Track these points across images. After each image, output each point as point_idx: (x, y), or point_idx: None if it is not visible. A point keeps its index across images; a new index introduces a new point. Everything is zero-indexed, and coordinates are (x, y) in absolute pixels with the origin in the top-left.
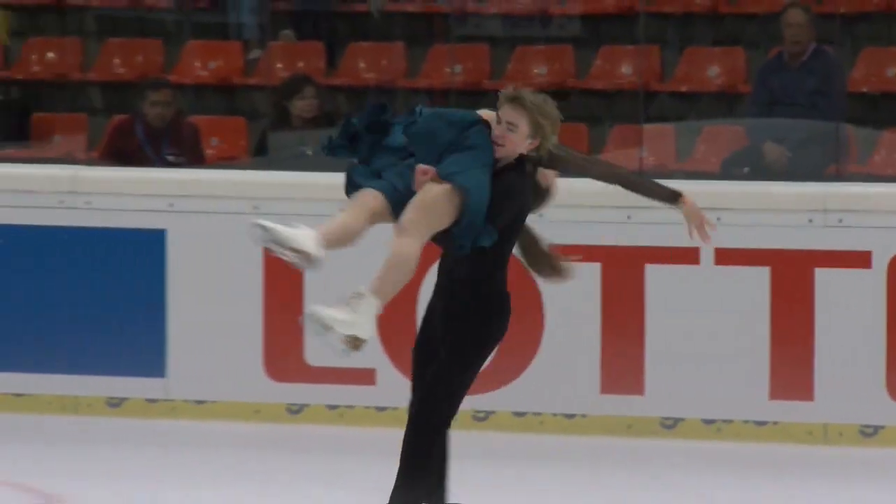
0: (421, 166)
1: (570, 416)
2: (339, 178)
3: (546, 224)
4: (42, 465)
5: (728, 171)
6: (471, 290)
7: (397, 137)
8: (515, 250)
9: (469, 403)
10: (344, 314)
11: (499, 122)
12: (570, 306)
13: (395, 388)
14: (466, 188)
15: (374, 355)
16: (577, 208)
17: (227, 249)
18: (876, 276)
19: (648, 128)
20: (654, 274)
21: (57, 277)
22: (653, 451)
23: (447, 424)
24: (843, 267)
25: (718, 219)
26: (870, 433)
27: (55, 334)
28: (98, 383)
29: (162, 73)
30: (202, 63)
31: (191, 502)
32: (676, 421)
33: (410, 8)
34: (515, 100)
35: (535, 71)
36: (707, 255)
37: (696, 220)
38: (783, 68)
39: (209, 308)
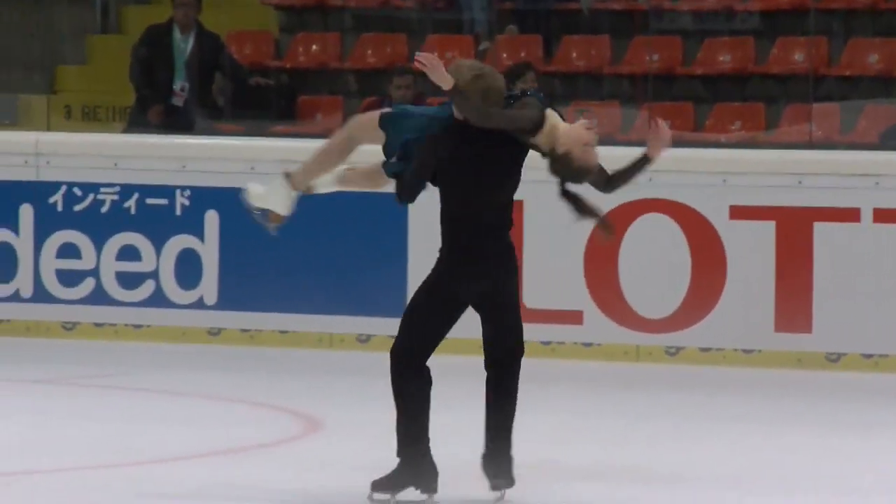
0: None
1: (749, 352)
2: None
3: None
4: (302, 393)
5: (885, 143)
6: (443, 241)
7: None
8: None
9: (660, 340)
10: (261, 189)
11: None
12: (748, 260)
13: (600, 327)
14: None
15: (581, 298)
16: (755, 175)
17: None
18: None
19: (817, 107)
20: (821, 230)
21: (316, 233)
22: (818, 382)
23: (409, 357)
24: None
25: (877, 183)
26: None
27: (313, 280)
28: (350, 322)
29: (406, 62)
30: (441, 52)
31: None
32: (840, 356)
33: (615, 6)
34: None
35: (721, 59)
36: (867, 215)
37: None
38: None
39: None
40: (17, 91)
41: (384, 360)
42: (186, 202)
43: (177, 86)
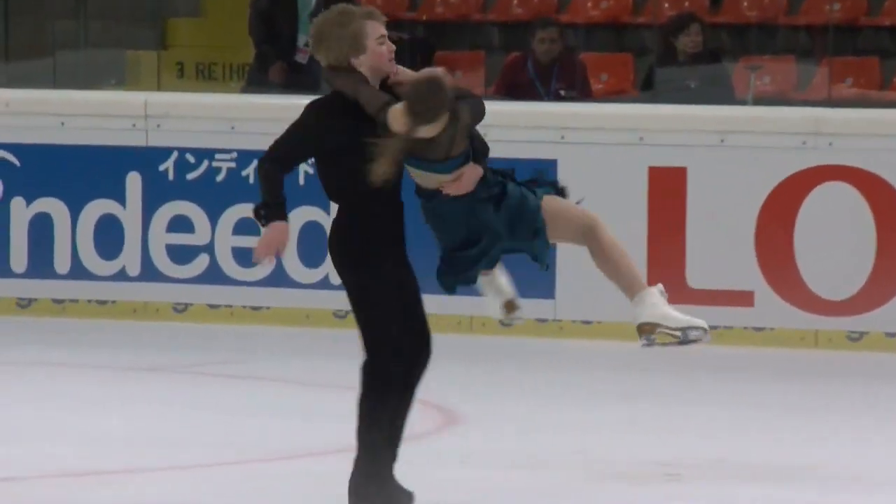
0: None
1: None
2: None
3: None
4: (442, 384)
5: None
6: None
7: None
8: None
9: (842, 324)
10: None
11: None
12: None
13: (773, 310)
14: None
15: (752, 278)
16: None
17: (614, 177)
18: None
19: None
20: None
21: None
22: None
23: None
24: None
25: None
26: None
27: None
28: (476, 304)
29: (555, 14)
30: (593, 3)
31: (563, 419)
32: None
33: None
34: None
35: None
36: None
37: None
38: None
39: (618, 231)
40: (125, 46)
41: (528, 344)
42: (310, 170)
43: (300, 41)
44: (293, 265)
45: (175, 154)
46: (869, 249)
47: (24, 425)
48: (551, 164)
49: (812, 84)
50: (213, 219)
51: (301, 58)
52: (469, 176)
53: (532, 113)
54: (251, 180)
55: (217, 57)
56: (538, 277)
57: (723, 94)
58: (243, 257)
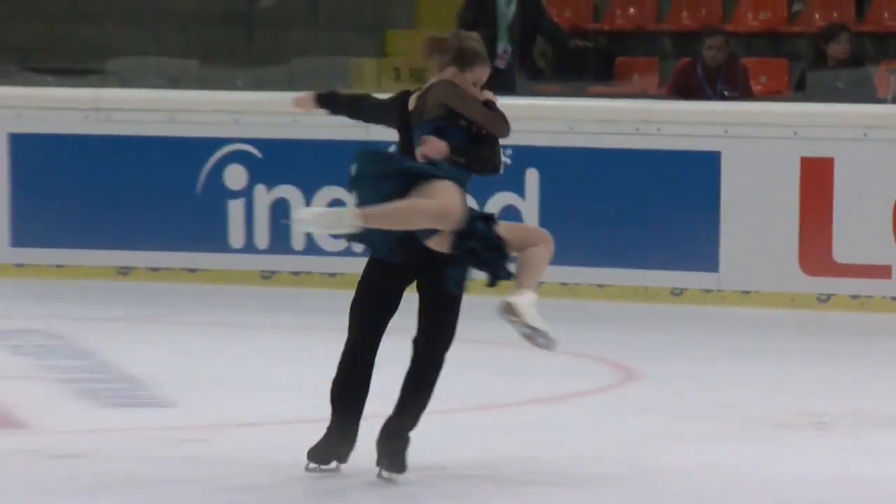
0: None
1: None
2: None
3: None
4: (618, 344)
5: None
6: None
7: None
8: None
9: None
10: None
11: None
12: None
13: None
14: None
15: (890, 253)
16: None
17: (771, 167)
18: None
19: None
20: None
21: (629, 191)
22: None
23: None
24: None
25: None
26: None
27: (627, 234)
28: (663, 276)
29: (721, 24)
30: (754, 14)
31: (727, 376)
32: None
33: None
34: None
35: None
36: None
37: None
38: None
39: (754, 214)
40: (349, 54)
41: (694, 312)
42: (508, 161)
43: (500, 48)
44: None
45: (392, 147)
46: None
47: (266, 379)
48: (716, 156)
49: None
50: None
51: (500, 63)
52: (433, 144)
53: (700, 111)
54: None
55: (428, 63)
56: (704, 255)
57: (866, 94)
58: None
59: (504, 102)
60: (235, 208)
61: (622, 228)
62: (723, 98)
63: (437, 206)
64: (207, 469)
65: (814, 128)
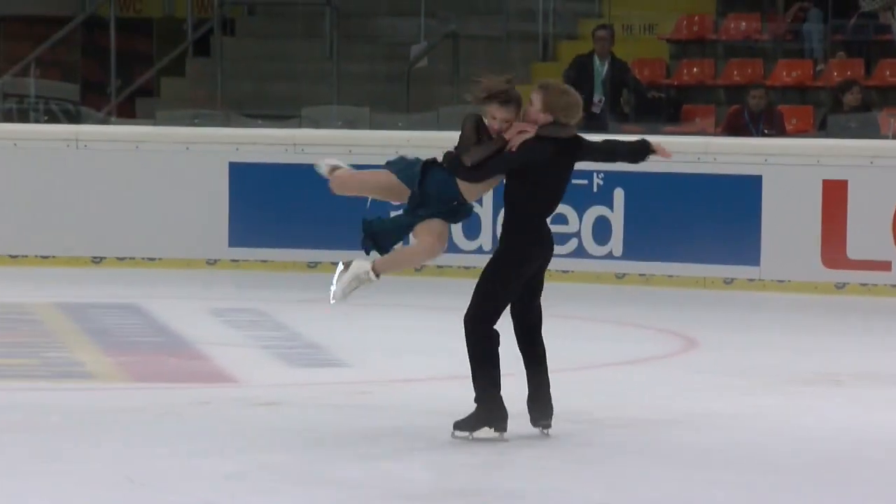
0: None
1: None
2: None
3: None
4: (683, 321)
5: None
6: (515, 226)
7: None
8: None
9: None
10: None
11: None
12: None
13: None
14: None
15: (890, 251)
16: None
17: (800, 187)
18: None
19: None
20: None
21: (692, 205)
22: None
23: (484, 321)
24: None
25: None
26: None
27: (690, 237)
28: (717, 269)
29: (762, 80)
30: (787, 73)
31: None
32: None
33: None
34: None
35: None
36: None
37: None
38: None
39: (787, 223)
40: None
41: (742, 297)
42: (601, 182)
43: (595, 98)
44: (589, 243)
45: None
46: None
47: (418, 346)
48: (758, 179)
49: None
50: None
51: (595, 108)
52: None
53: (746, 145)
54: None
55: None
56: (749, 254)
57: (872, 133)
58: (558, 238)
59: (597, 139)
60: None
61: (687, 233)
62: (763, 135)
63: (423, 249)
64: (374, 415)
65: (832, 157)
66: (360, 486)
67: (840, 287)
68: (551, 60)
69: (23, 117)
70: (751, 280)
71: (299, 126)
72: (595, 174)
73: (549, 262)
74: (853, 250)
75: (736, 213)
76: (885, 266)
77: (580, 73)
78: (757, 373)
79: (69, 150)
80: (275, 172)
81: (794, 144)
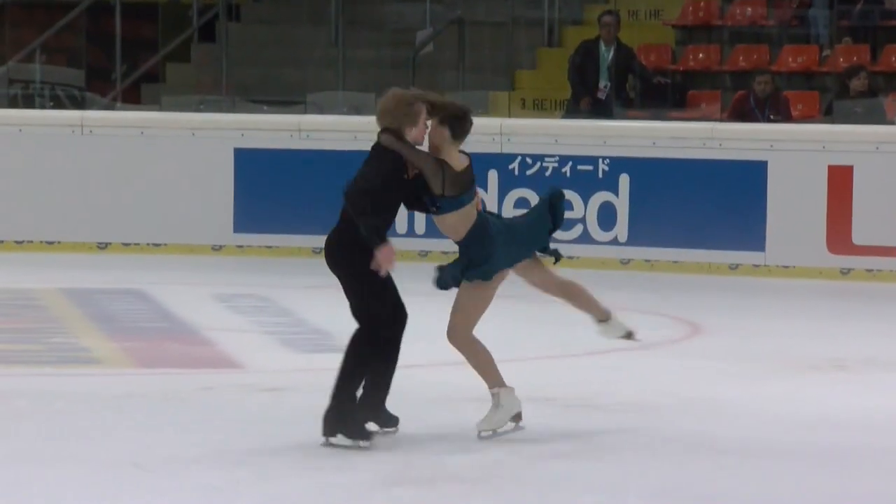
0: None
1: None
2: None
3: None
4: (689, 306)
5: None
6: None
7: None
8: None
9: None
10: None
11: None
12: None
13: None
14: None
15: (891, 233)
16: None
17: (805, 173)
18: None
19: None
20: None
21: (698, 191)
22: None
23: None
24: None
25: None
26: None
27: (696, 223)
28: (723, 255)
29: (768, 65)
30: (793, 58)
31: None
32: None
33: None
34: None
35: None
36: None
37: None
38: None
39: (792, 208)
40: (487, 89)
41: (748, 282)
42: (606, 168)
43: (601, 84)
44: (594, 229)
45: (519, 158)
46: None
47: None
48: (764, 165)
49: None
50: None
51: (601, 94)
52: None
53: (752, 130)
54: (568, 175)
55: (547, 95)
56: (754, 239)
57: (878, 118)
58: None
59: (602, 125)
60: None
61: (692, 219)
62: (769, 121)
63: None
64: None
65: (838, 143)
66: (365, 470)
67: (845, 273)
68: (557, 46)
69: (28, 103)
70: (756, 266)
71: (304, 112)
72: (601, 160)
73: None
74: (858, 236)
75: (741, 199)
76: (890, 252)
77: (586, 59)
78: (762, 359)
79: (74, 136)
80: (280, 158)
81: (799, 130)
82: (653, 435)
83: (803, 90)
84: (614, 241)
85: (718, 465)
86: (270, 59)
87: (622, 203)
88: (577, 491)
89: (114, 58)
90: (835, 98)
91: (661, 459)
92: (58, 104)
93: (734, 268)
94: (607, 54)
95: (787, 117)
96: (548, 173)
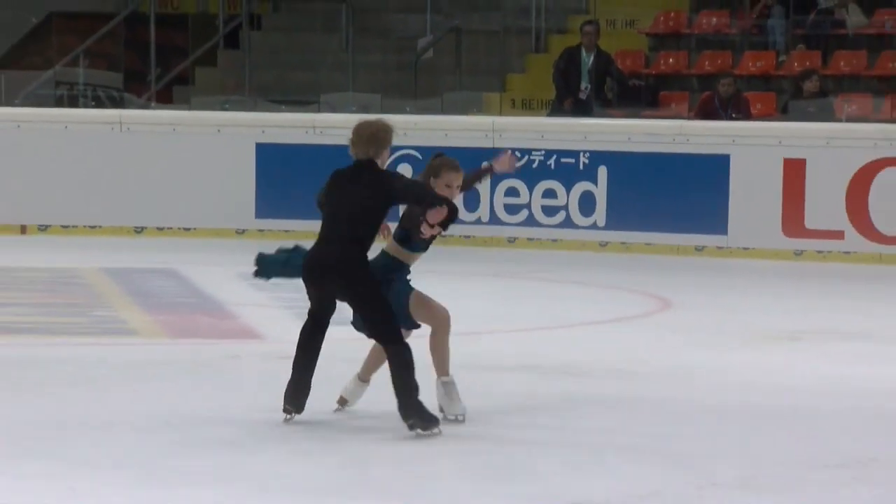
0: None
1: None
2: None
3: None
4: (659, 284)
5: None
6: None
7: None
8: None
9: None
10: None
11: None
12: None
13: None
14: None
15: (843, 222)
16: None
17: (763, 165)
18: None
19: None
20: None
21: (668, 181)
22: None
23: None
24: None
25: None
26: None
27: (666, 210)
28: (690, 238)
29: (730, 69)
30: (753, 63)
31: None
32: None
33: (870, 31)
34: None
35: None
36: None
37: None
38: None
39: (751, 197)
40: (481, 90)
41: (712, 263)
42: (586, 161)
43: (582, 86)
44: (575, 215)
45: (509, 151)
46: None
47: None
48: (727, 158)
49: (880, 111)
50: (531, 189)
51: (582, 95)
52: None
53: (716, 127)
54: (552, 167)
55: (534, 95)
56: (718, 224)
57: (828, 117)
58: (548, 211)
59: (584, 122)
60: None
61: (663, 206)
62: (731, 119)
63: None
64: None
65: (792, 138)
66: (381, 430)
67: (798, 254)
68: (543, 52)
69: (72, 103)
70: (719, 248)
71: (318, 111)
72: (582, 153)
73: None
74: (810, 221)
75: (706, 188)
76: (838, 235)
77: (569, 64)
78: (725, 331)
79: (114, 133)
80: (296, 152)
81: (758, 127)
82: (628, 398)
83: (762, 91)
84: (594, 226)
85: (687, 424)
86: (288, 63)
87: (601, 192)
88: (560, 447)
89: (149, 63)
90: (790, 98)
91: (636, 422)
92: (99, 104)
93: (700, 249)
94: (588, 60)
95: (747, 116)
96: (535, 165)
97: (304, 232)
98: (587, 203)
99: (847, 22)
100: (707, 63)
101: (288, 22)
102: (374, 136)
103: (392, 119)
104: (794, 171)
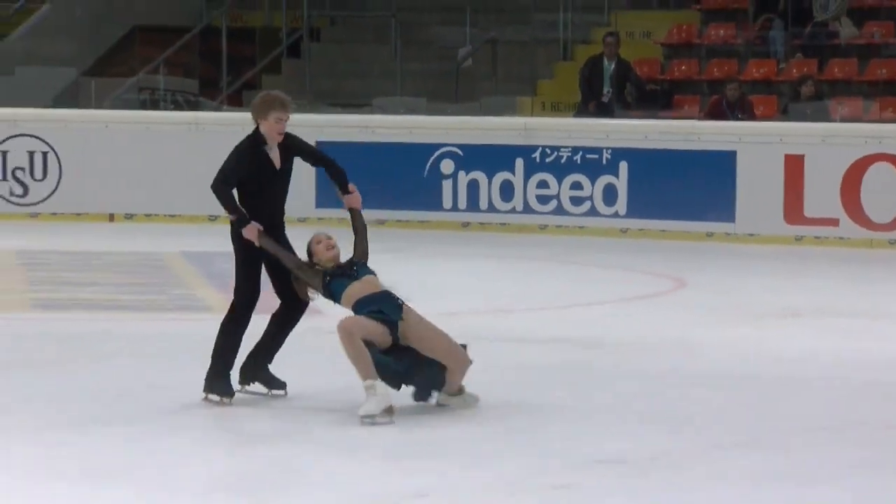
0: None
1: None
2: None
3: None
4: (673, 266)
5: None
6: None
7: None
8: None
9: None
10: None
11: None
12: None
13: (856, 232)
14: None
15: (838, 210)
16: None
17: (766, 161)
18: None
19: None
20: None
21: (682, 175)
22: None
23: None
24: None
25: None
26: None
27: (679, 200)
28: (700, 225)
29: (736, 75)
30: (757, 69)
31: (739, 285)
32: None
33: (860, 41)
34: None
35: None
36: None
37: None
38: None
39: (756, 188)
40: (514, 95)
41: (721, 247)
42: (609, 157)
43: (605, 91)
44: (599, 205)
45: (540, 148)
46: None
47: (464, 287)
48: (733, 154)
49: (870, 112)
50: (560, 181)
51: (605, 98)
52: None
53: (724, 126)
54: (579, 161)
55: (560, 100)
56: (726, 213)
57: (823, 117)
58: (575, 201)
59: (606, 123)
60: (447, 185)
61: (677, 197)
62: (738, 119)
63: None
64: None
65: (792, 136)
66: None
67: (798, 239)
68: (570, 60)
69: (153, 106)
70: (727, 234)
71: (371, 113)
72: (605, 150)
73: None
74: (809, 210)
75: (715, 181)
76: (834, 223)
77: (592, 71)
78: (732, 308)
79: (190, 132)
80: (351, 149)
81: (761, 126)
82: (643, 368)
83: (764, 95)
84: (615, 215)
85: (695, 391)
86: (343, 71)
87: (622, 184)
88: (580, 412)
89: (221, 71)
90: (789, 101)
91: (649, 387)
92: (177, 107)
93: (710, 235)
94: (609, 67)
95: (751, 116)
96: (563, 161)
97: None
98: (610, 194)
99: (840, 33)
100: (715, 70)
101: (343, 35)
102: (252, 106)
103: (435, 120)
104: (794, 166)
